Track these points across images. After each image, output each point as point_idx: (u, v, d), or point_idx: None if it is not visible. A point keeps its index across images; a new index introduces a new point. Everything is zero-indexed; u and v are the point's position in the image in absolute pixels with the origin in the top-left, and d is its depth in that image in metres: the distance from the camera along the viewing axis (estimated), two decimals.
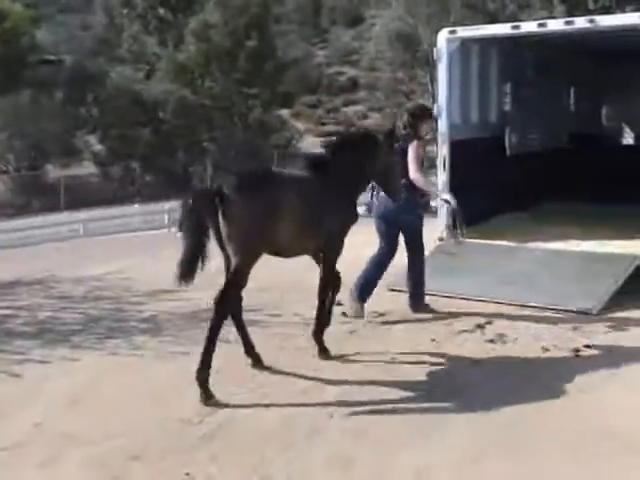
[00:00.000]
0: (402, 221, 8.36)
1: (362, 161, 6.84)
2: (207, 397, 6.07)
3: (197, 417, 5.91)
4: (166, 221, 25.25)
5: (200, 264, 5.83)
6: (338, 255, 6.93)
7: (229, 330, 8.05)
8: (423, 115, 8.39)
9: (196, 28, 28.10)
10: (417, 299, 8.65)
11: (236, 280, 6.07)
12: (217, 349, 6.14)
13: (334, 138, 7.25)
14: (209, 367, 6.11)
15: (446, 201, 8.39)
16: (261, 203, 5.87)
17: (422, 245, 8.57)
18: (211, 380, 6.15)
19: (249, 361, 6.94)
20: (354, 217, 6.96)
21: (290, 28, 59.95)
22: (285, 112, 50.82)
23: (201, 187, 6.07)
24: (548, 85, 13.08)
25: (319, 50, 67.91)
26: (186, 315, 8.74)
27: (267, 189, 5.92)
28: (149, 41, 29.92)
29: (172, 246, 7.31)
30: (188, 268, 5.84)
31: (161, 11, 30.10)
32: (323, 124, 56.44)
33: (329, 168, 6.66)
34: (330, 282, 6.95)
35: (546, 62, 12.82)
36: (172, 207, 25.41)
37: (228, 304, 6.16)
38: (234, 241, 5.91)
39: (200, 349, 6.09)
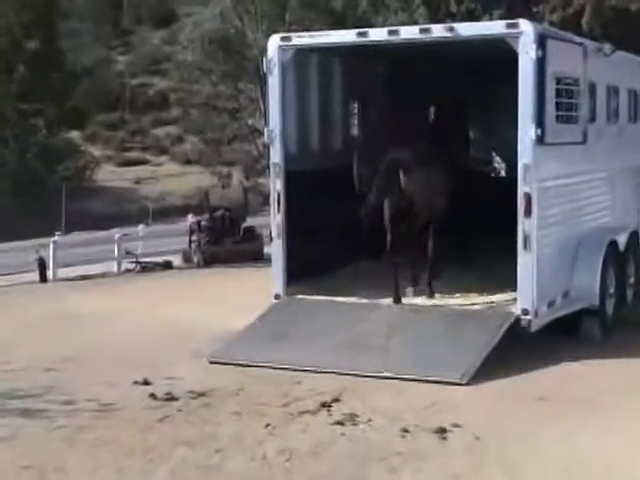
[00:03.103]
0: None
1: None
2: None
3: None
4: None
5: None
6: None
7: None
8: None
9: None
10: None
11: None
12: None
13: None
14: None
15: None
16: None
17: None
18: None
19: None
20: None
21: (82, 27, 59.30)
22: (76, 134, 49.97)
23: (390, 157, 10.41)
24: (404, 104, 13.52)
25: (120, 55, 67.47)
26: None
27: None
28: None
29: None
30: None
31: None
32: (126, 149, 55.78)
33: None
34: None
35: (401, 77, 13.26)
36: None
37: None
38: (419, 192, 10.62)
39: None
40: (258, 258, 20.80)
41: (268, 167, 11.91)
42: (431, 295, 10.89)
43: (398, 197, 10.55)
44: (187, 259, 22.19)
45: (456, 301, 10.59)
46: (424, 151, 11.00)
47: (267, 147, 11.83)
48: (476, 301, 10.50)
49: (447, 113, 13.99)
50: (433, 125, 15.34)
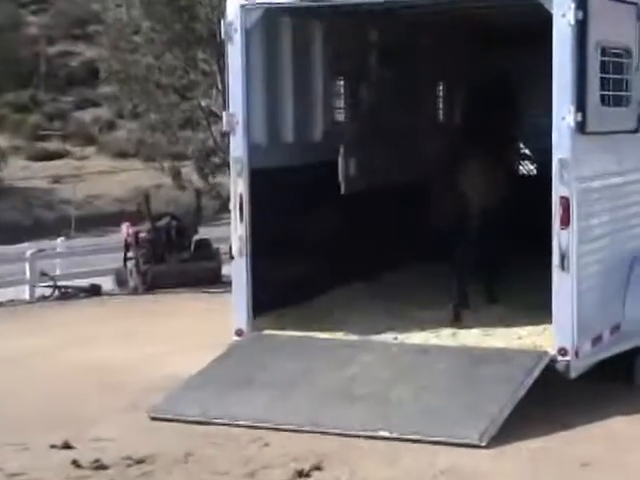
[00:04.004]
0: None
1: None
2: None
3: None
4: None
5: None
6: None
7: None
8: None
9: None
10: None
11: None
12: None
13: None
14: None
15: None
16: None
17: None
18: None
19: None
20: None
21: None
22: None
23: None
24: (405, 81, 13.59)
25: (33, 15, 67.44)
26: None
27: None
28: None
29: None
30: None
31: None
32: (41, 138, 55.61)
33: None
34: None
35: (401, 46, 13.32)
36: None
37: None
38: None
39: None
40: (214, 281, 20.83)
41: (228, 163, 11.94)
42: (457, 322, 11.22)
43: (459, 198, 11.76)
44: (121, 282, 22.11)
45: (474, 337, 10.62)
46: (476, 146, 11.83)
47: (227, 136, 11.87)
48: (499, 337, 10.54)
49: (464, 94, 14.08)
50: (444, 107, 15.49)
